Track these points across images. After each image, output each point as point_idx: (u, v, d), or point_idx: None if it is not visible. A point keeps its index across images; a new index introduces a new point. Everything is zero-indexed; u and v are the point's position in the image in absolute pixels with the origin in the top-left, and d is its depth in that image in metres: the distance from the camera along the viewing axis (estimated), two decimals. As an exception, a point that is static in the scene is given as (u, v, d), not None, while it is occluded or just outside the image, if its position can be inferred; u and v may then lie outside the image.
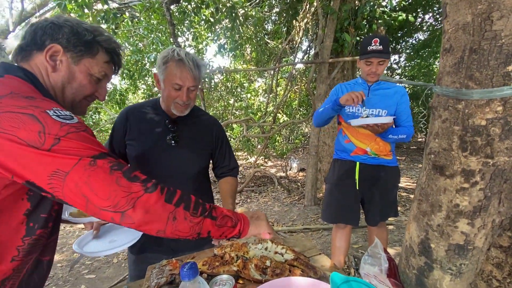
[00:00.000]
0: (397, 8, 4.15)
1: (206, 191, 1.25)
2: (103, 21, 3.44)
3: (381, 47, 1.57)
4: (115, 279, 2.39)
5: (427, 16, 6.27)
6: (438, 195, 0.70)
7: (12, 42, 5.20)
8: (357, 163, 1.76)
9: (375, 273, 0.84)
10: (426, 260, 0.75)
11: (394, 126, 1.72)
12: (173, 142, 1.08)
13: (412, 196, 4.27)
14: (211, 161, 1.27)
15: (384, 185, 1.75)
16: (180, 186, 1.10)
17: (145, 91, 6.27)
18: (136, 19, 5.08)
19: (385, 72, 1.74)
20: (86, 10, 3.24)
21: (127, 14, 4.86)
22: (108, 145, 1.15)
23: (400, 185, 1.89)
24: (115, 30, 4.37)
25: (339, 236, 1.89)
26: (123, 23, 4.86)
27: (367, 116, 1.63)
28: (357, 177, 1.76)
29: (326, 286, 0.71)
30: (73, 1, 3.06)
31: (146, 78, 5.45)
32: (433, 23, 6.34)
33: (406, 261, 0.84)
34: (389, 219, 2.01)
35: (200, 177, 1.18)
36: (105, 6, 3.35)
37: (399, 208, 1.88)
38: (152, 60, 4.22)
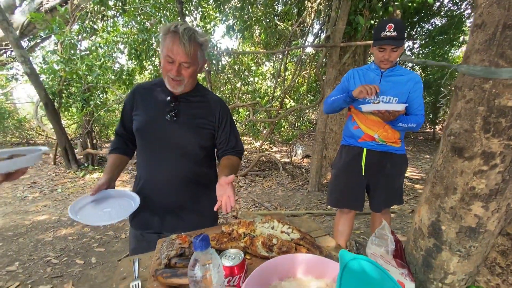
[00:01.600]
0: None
1: (208, 174, 1.22)
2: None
3: (395, 33, 1.50)
4: (123, 253, 2.48)
5: (446, 0, 5.94)
6: (454, 177, 0.68)
7: (19, 17, 5.14)
8: (364, 149, 1.74)
9: (382, 254, 0.85)
10: (435, 241, 0.75)
11: (405, 114, 1.67)
12: (174, 118, 1.09)
13: (417, 186, 4.26)
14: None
15: (390, 172, 1.74)
16: (177, 161, 1.11)
17: (152, 71, 6.20)
18: (143, -4, 4.94)
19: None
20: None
21: (134, -10, 4.73)
22: (120, 121, 1.20)
23: (405, 174, 1.87)
24: (124, 7, 4.27)
25: (342, 221, 1.91)
26: (130, 0, 4.73)
27: (378, 102, 1.59)
28: (363, 163, 1.75)
29: (332, 263, 0.71)
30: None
31: (153, 58, 5.37)
32: (451, 7, 6.01)
33: (414, 243, 0.84)
34: (392, 207, 2.01)
35: (201, 157, 1.16)
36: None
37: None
38: (160, 40, 4.14)
